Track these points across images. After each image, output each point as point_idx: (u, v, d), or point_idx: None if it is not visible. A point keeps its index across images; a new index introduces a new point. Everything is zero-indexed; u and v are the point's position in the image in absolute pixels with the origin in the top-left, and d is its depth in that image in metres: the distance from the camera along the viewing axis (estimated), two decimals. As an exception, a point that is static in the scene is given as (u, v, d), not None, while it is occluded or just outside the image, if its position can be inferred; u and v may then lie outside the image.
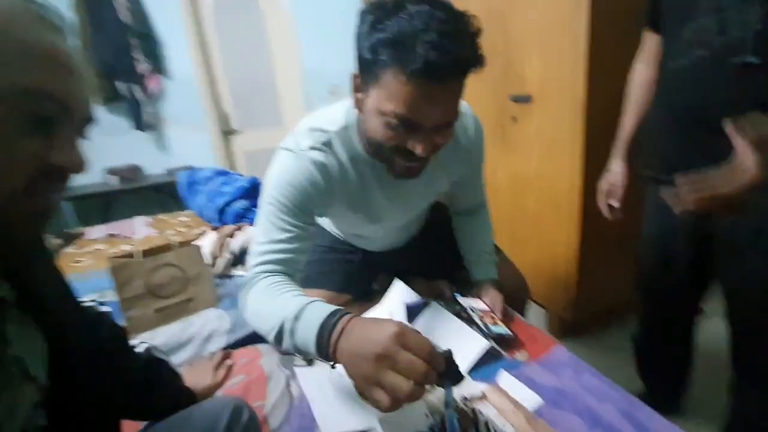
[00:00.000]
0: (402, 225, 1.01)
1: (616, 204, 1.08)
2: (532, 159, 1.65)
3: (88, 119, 0.41)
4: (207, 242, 1.35)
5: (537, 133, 1.59)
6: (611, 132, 1.10)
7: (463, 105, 0.85)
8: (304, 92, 2.97)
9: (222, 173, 2.13)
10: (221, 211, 1.84)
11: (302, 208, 0.74)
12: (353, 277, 1.07)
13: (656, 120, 0.93)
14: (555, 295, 1.67)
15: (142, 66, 2.54)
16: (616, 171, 1.07)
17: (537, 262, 1.73)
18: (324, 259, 1.09)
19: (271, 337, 0.63)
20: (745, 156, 0.57)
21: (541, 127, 1.57)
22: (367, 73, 0.63)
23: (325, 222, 1.10)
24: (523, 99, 1.60)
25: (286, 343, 0.60)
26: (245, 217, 1.84)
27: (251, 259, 0.74)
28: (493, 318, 0.88)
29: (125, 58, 2.49)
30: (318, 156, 0.74)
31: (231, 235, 1.39)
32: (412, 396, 0.43)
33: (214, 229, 1.47)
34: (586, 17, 1.27)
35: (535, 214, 1.70)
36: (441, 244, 1.13)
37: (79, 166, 0.37)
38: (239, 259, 1.36)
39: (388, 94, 0.60)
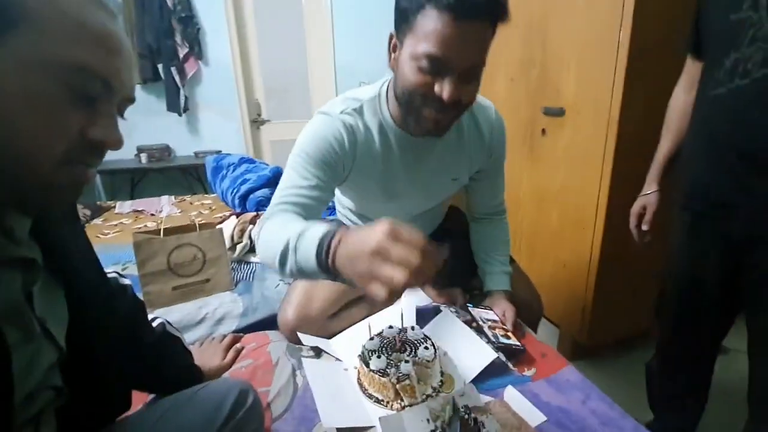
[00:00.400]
0: (418, 214, 1.02)
1: (646, 227, 1.06)
2: (559, 173, 1.62)
3: (130, 100, 0.42)
4: (228, 227, 1.38)
5: (566, 147, 1.56)
6: (643, 153, 1.08)
7: (489, 102, 0.94)
8: (335, 87, 3.00)
9: (247, 161, 2.17)
10: (243, 198, 1.88)
11: (326, 161, 0.78)
12: None
13: (692, 147, 0.91)
14: (570, 315, 1.64)
15: (182, 50, 2.61)
16: (650, 195, 1.06)
17: (554, 279, 1.69)
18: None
19: (276, 261, 0.62)
20: None
21: (570, 142, 1.54)
22: (403, 23, 0.68)
23: (342, 209, 1.11)
24: (555, 112, 1.57)
25: (290, 263, 0.59)
26: (266, 206, 1.87)
27: (272, 200, 0.78)
28: (503, 330, 0.87)
29: (167, 41, 2.57)
30: (348, 119, 0.80)
31: (252, 222, 1.41)
32: (407, 284, 0.43)
33: (236, 215, 1.50)
34: (628, 34, 1.24)
35: (556, 229, 1.67)
36: (456, 251, 1.11)
37: (116, 143, 0.39)
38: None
39: (421, 36, 0.65)
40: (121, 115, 0.42)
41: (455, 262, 1.11)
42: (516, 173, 1.84)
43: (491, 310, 0.96)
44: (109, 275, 0.65)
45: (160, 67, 2.61)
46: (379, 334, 0.81)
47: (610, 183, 1.39)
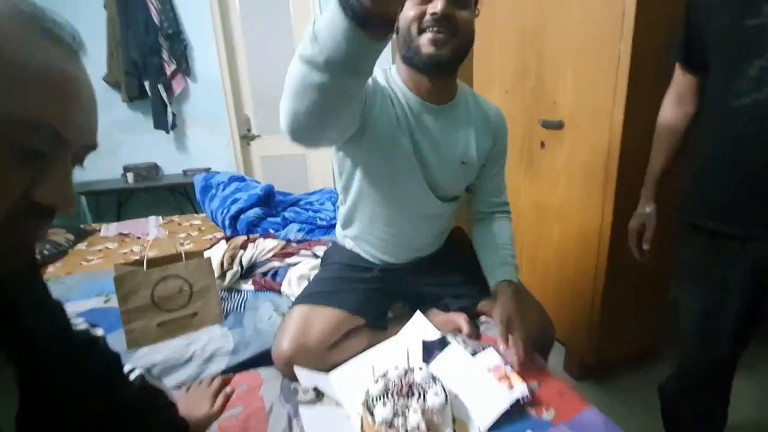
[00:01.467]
0: (424, 216, 0.98)
1: (647, 246, 1.02)
2: (559, 187, 1.57)
3: (90, 147, 0.36)
4: (217, 253, 1.30)
5: (566, 161, 1.52)
6: (647, 166, 1.04)
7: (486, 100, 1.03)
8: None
9: (237, 179, 2.11)
10: (234, 218, 1.81)
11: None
12: (369, 298, 1.01)
13: (709, 162, 0.86)
14: (576, 332, 1.58)
15: (170, 67, 2.55)
16: (647, 212, 1.02)
17: (558, 295, 1.64)
18: (339, 277, 1.03)
19: (301, 65, 0.51)
20: None
21: (571, 156, 1.49)
22: None
23: (345, 227, 1.06)
24: (554, 125, 1.53)
25: (312, 48, 0.49)
26: (258, 226, 1.81)
27: None
28: (508, 379, 0.78)
29: (154, 57, 2.50)
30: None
31: (243, 247, 1.34)
32: None
33: (227, 239, 1.42)
34: (629, 45, 1.21)
35: (558, 244, 1.62)
36: (461, 271, 1.06)
37: (66, 205, 0.32)
38: (248, 272, 1.31)
39: None
40: (80, 164, 0.36)
41: (459, 282, 1.07)
42: (514, 186, 1.79)
43: (493, 346, 0.88)
44: (78, 327, 0.58)
45: (146, 84, 2.55)
46: (384, 376, 0.74)
47: (615, 197, 1.34)
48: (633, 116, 1.27)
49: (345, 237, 1.08)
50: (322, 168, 3.03)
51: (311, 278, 1.17)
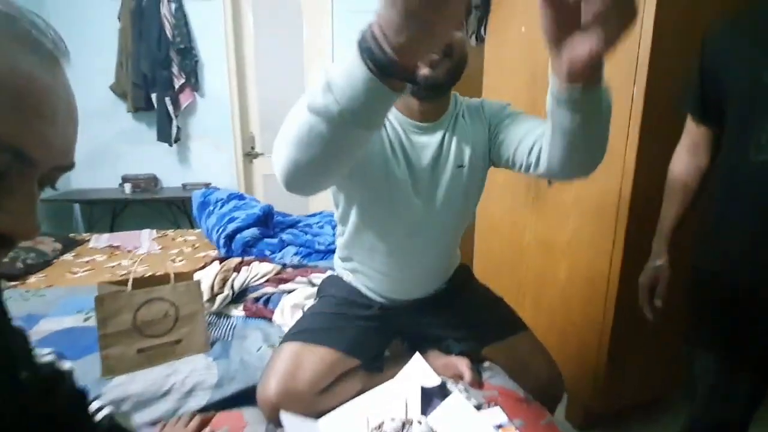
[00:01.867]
0: (428, 243, 0.92)
1: (660, 303, 0.97)
2: (567, 226, 1.53)
3: (64, 168, 0.31)
4: (208, 275, 1.24)
5: (575, 200, 1.48)
6: (659, 209, 0.99)
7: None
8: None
9: (237, 197, 2.06)
10: (230, 238, 1.76)
11: None
12: (366, 337, 0.94)
13: (727, 216, 0.82)
14: (580, 378, 1.50)
15: (179, 81, 2.55)
16: (659, 265, 0.97)
17: (562, 337, 1.57)
18: (336, 312, 0.96)
19: (311, 115, 0.48)
20: None
21: (581, 193, 1.46)
22: None
23: (345, 259, 1.00)
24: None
25: (324, 98, 0.45)
26: (254, 246, 1.75)
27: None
28: None
29: (164, 71, 2.51)
30: None
31: (236, 269, 1.28)
32: None
33: (220, 260, 1.37)
34: (643, 89, 1.19)
35: (565, 284, 1.56)
36: (465, 314, 1.00)
37: (26, 234, 0.28)
38: (239, 296, 1.25)
39: None
40: (52, 186, 0.31)
41: (463, 325, 1.01)
42: (520, 221, 1.75)
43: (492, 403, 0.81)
44: (43, 358, 0.51)
45: (153, 96, 2.54)
46: (379, 428, 0.67)
47: (625, 238, 1.30)
48: (645, 160, 1.24)
49: (344, 269, 1.03)
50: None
51: (305, 308, 1.10)
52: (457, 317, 1.01)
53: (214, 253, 1.79)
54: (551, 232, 1.61)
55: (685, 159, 0.94)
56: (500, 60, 1.77)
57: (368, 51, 0.40)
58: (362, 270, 0.97)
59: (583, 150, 0.64)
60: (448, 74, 0.78)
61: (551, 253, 1.62)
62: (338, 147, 0.50)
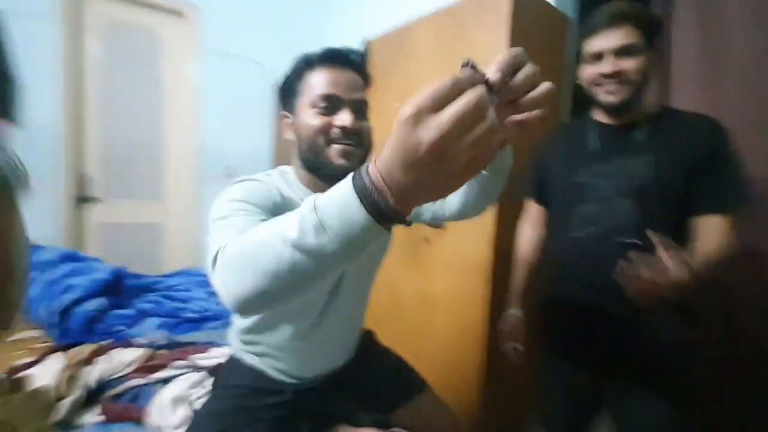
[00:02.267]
0: (343, 317, 0.92)
1: (518, 346, 1.19)
2: (442, 280, 1.72)
3: None
4: (49, 370, 0.95)
5: (449, 260, 1.69)
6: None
7: None
8: (195, 168, 2.69)
9: (72, 257, 1.66)
10: (64, 313, 1.38)
11: (272, 209, 0.73)
12: (281, 429, 0.86)
13: (559, 273, 1.08)
14: (464, 418, 1.64)
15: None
16: (515, 316, 1.20)
17: (443, 383, 1.69)
18: (243, 407, 0.85)
19: (296, 252, 0.46)
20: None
21: (453, 256, 1.67)
22: (291, 96, 0.84)
23: (249, 343, 0.91)
24: (436, 223, 1.71)
25: (317, 238, 0.45)
26: (100, 322, 1.42)
27: (211, 255, 0.56)
28: None
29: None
30: (269, 179, 0.83)
31: (88, 361, 1.01)
32: (491, 130, 0.37)
33: (62, 349, 1.06)
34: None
35: (443, 335, 1.72)
36: (374, 379, 1.03)
37: None
38: (95, 395, 0.99)
39: (314, 86, 0.80)
40: None
41: (372, 394, 1.01)
42: (397, 276, 1.89)
43: None
44: None
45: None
46: None
47: (492, 291, 1.54)
48: (503, 230, 1.51)
49: (247, 353, 0.93)
50: (183, 239, 2.64)
51: (193, 401, 0.95)
52: (366, 387, 1.01)
53: (47, 345, 1.37)
54: (428, 287, 1.78)
55: (528, 231, 1.22)
56: (384, 137, 1.93)
57: (370, 199, 0.42)
58: (271, 353, 0.90)
59: (492, 196, 0.86)
60: (361, 162, 0.84)
61: (428, 305, 1.79)
62: (319, 280, 0.49)
